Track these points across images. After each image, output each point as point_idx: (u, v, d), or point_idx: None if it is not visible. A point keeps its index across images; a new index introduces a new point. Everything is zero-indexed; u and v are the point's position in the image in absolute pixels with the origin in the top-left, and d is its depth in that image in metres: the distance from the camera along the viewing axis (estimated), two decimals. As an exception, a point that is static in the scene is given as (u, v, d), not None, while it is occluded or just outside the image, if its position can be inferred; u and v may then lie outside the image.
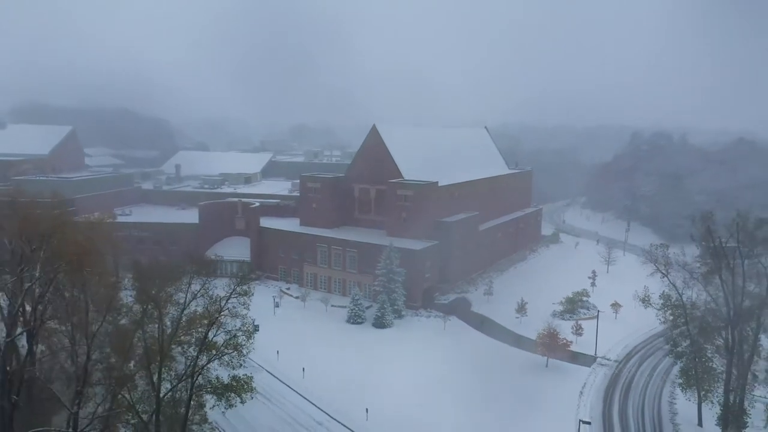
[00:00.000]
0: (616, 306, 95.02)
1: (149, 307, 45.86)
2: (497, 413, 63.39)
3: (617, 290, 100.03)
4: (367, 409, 62.41)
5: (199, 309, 46.87)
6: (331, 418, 63.01)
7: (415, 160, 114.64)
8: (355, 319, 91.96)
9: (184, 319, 45.78)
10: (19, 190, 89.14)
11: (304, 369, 72.05)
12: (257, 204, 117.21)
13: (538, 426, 61.03)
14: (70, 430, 43.58)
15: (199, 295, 46.78)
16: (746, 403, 58.78)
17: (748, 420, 58.03)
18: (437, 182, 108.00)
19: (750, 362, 57.92)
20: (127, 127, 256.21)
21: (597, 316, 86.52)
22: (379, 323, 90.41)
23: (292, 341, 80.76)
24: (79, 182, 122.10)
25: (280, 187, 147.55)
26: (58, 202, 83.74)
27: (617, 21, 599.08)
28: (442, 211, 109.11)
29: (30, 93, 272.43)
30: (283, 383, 70.03)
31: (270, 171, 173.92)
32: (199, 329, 46.19)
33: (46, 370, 53.99)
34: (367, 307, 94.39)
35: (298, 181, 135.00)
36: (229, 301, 46.76)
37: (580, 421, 55.92)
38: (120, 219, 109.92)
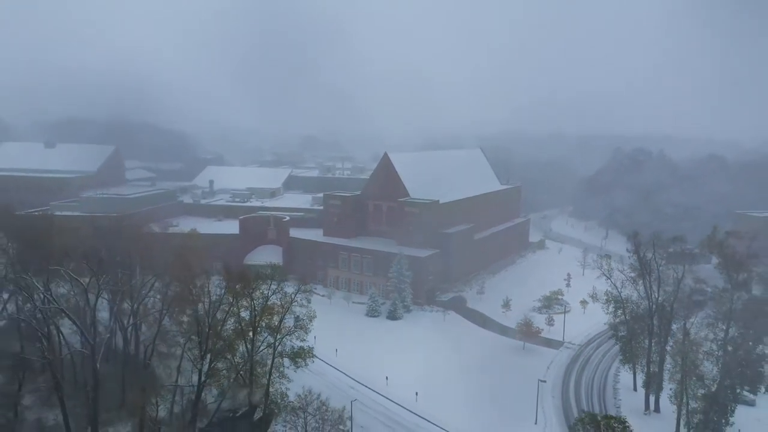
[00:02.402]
0: (584, 303, 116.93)
1: (239, 299, 67.82)
2: (484, 378, 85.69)
3: (589, 290, 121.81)
4: (386, 377, 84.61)
5: (277, 300, 68.95)
6: (360, 383, 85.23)
7: (420, 180, 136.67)
8: (372, 312, 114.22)
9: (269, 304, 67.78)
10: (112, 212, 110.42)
11: (336, 350, 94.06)
12: (287, 218, 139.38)
13: (512, 386, 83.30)
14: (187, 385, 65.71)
15: (276, 291, 68.87)
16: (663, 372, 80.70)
17: (663, 383, 79.98)
18: (438, 200, 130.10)
19: (665, 342, 79.83)
20: (150, 140, 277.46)
21: (564, 311, 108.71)
22: (392, 316, 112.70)
23: (325, 329, 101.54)
24: (135, 199, 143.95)
25: (302, 200, 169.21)
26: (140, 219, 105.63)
27: (616, 29, 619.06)
28: (442, 224, 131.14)
29: (48, 107, 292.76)
30: (322, 360, 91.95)
31: (289, 184, 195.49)
32: (278, 314, 68.28)
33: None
34: (382, 304, 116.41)
35: (318, 195, 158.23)
36: (297, 295, 68.98)
37: (538, 380, 78.01)
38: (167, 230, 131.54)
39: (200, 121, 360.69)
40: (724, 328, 72.15)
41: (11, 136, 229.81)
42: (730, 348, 71.86)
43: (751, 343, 71.99)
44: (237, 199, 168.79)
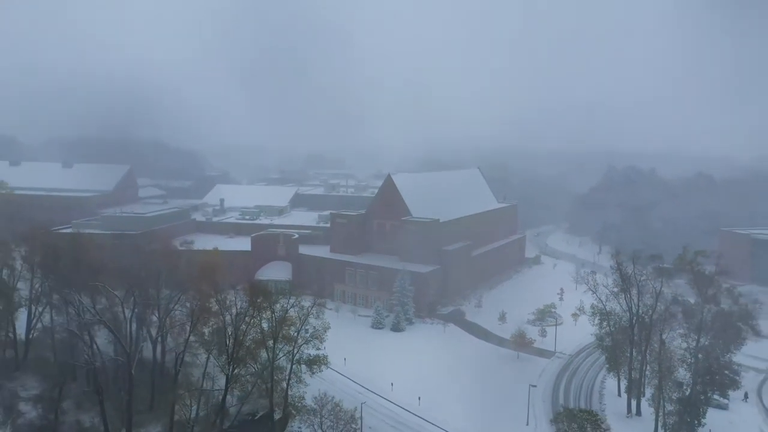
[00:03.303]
0: (575, 315, 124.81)
1: (261, 311, 76.06)
2: (480, 384, 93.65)
3: (583, 302, 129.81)
4: (392, 384, 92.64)
5: (294, 313, 77.18)
6: (368, 389, 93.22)
7: (421, 200, 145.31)
8: (377, 324, 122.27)
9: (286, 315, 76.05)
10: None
11: (345, 359, 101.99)
12: (296, 235, 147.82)
13: (506, 391, 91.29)
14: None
15: (293, 304, 77.10)
16: (643, 378, 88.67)
17: (644, 389, 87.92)
18: (438, 219, 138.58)
19: (645, 350, 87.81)
20: (159, 158, 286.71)
21: (556, 324, 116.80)
22: (396, 328, 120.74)
23: (334, 340, 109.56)
24: (153, 217, 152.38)
25: (308, 218, 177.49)
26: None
27: (613, 46, 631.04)
28: (443, 241, 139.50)
29: (59, 126, 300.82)
30: (332, 369, 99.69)
31: (296, 201, 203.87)
32: (294, 325, 76.46)
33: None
34: (386, 316, 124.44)
35: (324, 213, 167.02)
36: (312, 309, 77.26)
37: (529, 385, 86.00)
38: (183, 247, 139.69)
39: (205, 138, 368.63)
40: (696, 338, 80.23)
41: (26, 156, 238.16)
42: (701, 356, 79.89)
43: (719, 352, 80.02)
44: (247, 217, 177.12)
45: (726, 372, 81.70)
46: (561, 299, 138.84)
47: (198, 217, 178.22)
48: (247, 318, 74.89)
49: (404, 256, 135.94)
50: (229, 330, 74.97)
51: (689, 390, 79.42)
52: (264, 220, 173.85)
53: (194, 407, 75.38)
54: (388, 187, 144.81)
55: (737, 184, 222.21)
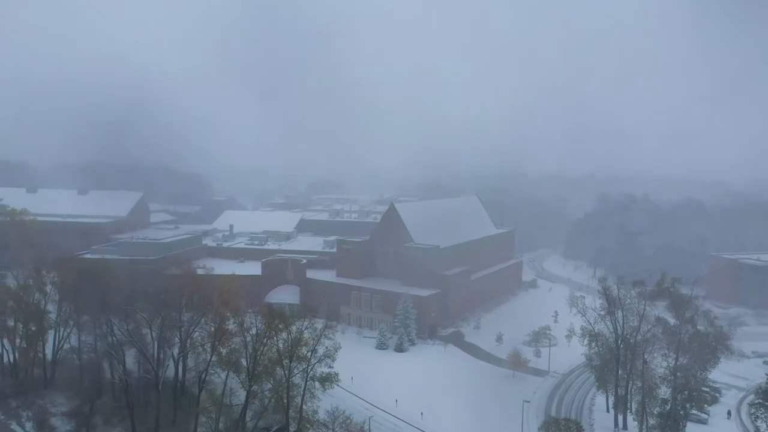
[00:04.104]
0: (568, 336, 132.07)
1: (277, 332, 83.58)
2: (478, 401, 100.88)
3: (575, 324, 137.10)
4: (396, 400, 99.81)
5: (307, 334, 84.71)
6: (374, 405, 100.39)
7: (422, 227, 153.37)
8: (381, 345, 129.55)
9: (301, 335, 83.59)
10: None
11: (352, 377, 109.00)
12: (304, 261, 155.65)
13: (502, 407, 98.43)
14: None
15: (307, 326, 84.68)
16: (628, 395, 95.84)
17: (629, 404, 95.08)
18: (439, 245, 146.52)
19: (630, 369, 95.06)
20: (166, 182, 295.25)
21: (550, 345, 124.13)
22: (399, 348, 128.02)
23: (341, 360, 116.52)
24: (168, 243, 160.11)
25: (314, 243, 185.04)
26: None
27: (611, 70, 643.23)
28: (443, 266, 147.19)
29: (67, 150, 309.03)
30: (340, 387, 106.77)
31: (301, 226, 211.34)
32: (308, 345, 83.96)
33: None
34: (390, 338, 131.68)
35: (329, 238, 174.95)
36: (324, 330, 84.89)
37: (523, 401, 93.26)
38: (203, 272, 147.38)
39: (209, 161, 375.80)
40: (675, 357, 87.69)
41: (36, 181, 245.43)
42: (679, 374, 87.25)
43: (697, 369, 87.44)
44: (255, 242, 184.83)
45: (703, 388, 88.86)
46: (555, 321, 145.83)
47: (209, 242, 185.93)
48: (265, 339, 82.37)
49: (407, 281, 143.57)
50: (249, 349, 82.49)
51: (669, 405, 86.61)
52: (272, 245, 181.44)
53: (216, 421, 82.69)
54: (391, 214, 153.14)
55: (727, 211, 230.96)
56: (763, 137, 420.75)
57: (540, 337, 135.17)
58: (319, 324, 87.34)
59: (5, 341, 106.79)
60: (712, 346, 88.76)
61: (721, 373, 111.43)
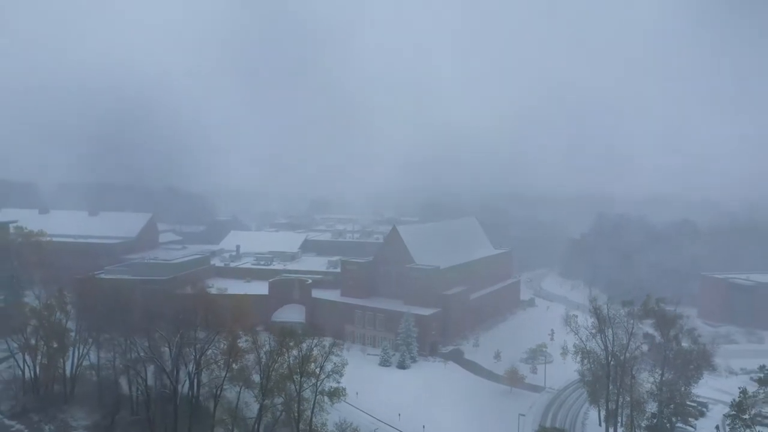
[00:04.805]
0: (563, 354, 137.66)
1: (288, 350, 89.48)
2: (477, 415, 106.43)
3: (570, 343, 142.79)
4: (399, 414, 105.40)
5: (316, 351, 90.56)
6: (378, 419, 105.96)
7: (423, 248, 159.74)
8: (384, 362, 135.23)
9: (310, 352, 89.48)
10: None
11: (357, 393, 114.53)
12: (310, 281, 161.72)
13: (500, 422, 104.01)
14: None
15: (316, 344, 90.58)
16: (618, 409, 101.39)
17: (620, 418, 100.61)
18: (439, 266, 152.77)
19: (620, 384, 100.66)
20: (172, 202, 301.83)
21: (546, 362, 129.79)
22: (401, 365, 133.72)
23: (346, 376, 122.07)
24: (179, 264, 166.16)
25: (318, 263, 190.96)
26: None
27: (608, 93, 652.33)
28: (443, 286, 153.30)
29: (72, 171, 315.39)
30: (345, 402, 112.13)
31: (305, 247, 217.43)
32: (317, 362, 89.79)
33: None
34: (392, 355, 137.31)
35: (333, 258, 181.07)
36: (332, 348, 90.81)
37: (519, 414, 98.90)
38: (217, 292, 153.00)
39: (212, 181, 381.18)
40: (661, 372, 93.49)
41: (43, 202, 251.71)
42: (665, 389, 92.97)
43: (681, 385, 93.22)
44: (261, 263, 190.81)
45: (689, 403, 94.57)
46: (552, 339, 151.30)
47: (216, 262, 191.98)
48: (276, 356, 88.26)
49: (408, 300, 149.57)
50: (262, 365, 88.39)
51: (656, 419, 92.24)
52: (277, 266, 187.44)
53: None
54: (394, 236, 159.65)
55: (720, 231, 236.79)
56: (758, 158, 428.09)
57: (536, 355, 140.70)
58: (327, 341, 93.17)
59: (27, 358, 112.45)
60: (696, 362, 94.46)
61: (710, 389, 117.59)
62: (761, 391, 72.95)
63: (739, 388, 74.22)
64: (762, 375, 74.77)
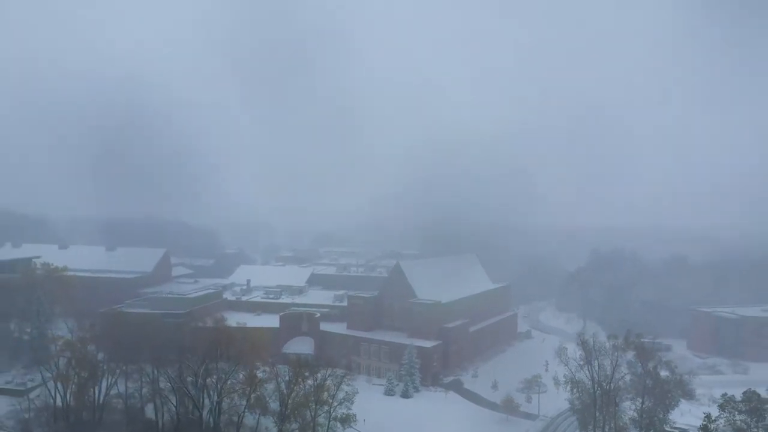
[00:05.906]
0: (557, 384, 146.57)
1: (304, 379, 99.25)
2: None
3: (562, 374, 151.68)
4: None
5: (329, 381, 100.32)
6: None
7: (425, 283, 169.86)
8: (389, 392, 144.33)
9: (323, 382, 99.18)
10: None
11: (364, 420, 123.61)
12: (318, 314, 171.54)
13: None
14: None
15: (329, 374, 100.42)
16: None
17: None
18: (440, 301, 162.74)
19: (606, 412, 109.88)
20: (181, 236, 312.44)
21: (539, 391, 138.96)
22: (405, 395, 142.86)
23: (354, 404, 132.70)
24: (194, 298, 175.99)
25: (325, 297, 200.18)
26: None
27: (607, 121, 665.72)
28: (444, 320, 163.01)
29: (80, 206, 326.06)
30: (354, 428, 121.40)
31: (312, 281, 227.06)
32: (330, 390, 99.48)
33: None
34: (396, 385, 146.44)
35: (339, 292, 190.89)
36: (344, 378, 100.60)
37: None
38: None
39: (217, 215, 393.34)
40: (641, 401, 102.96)
41: (57, 236, 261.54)
42: (645, 416, 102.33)
43: (660, 412, 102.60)
44: (270, 296, 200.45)
45: (667, 429, 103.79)
46: (546, 370, 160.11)
47: (228, 295, 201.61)
48: (293, 386, 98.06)
49: (411, 333, 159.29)
50: (280, 394, 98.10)
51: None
52: (286, 299, 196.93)
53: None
54: (397, 272, 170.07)
55: (710, 265, 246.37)
56: (751, 192, 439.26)
57: (532, 385, 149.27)
58: (339, 372, 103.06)
59: (59, 386, 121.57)
60: (673, 391, 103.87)
61: (693, 417, 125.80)
62: (722, 415, 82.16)
63: (704, 413, 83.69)
64: (722, 401, 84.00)
